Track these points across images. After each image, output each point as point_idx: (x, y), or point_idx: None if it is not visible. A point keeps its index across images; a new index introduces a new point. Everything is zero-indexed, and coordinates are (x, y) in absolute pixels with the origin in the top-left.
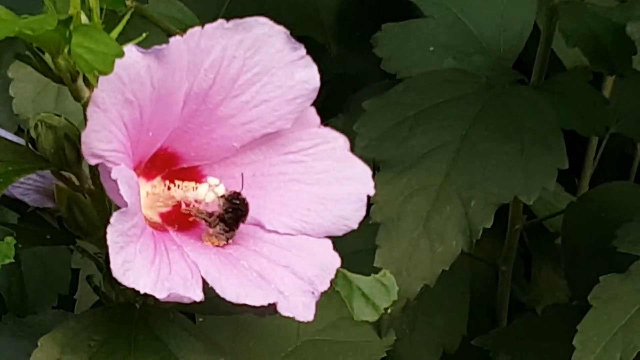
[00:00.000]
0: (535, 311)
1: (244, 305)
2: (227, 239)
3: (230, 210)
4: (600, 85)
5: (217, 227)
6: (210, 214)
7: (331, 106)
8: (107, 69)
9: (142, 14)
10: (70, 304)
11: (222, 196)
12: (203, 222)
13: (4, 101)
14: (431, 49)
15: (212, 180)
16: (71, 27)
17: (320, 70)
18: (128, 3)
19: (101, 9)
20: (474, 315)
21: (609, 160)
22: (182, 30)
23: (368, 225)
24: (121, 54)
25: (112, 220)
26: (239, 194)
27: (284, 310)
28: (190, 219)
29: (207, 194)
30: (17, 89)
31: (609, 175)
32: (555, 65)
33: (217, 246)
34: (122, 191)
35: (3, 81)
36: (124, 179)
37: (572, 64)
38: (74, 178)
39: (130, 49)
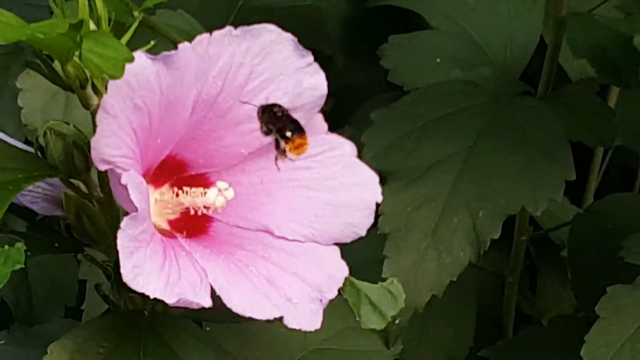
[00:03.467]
0: (541, 322)
1: None
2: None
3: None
4: (605, 97)
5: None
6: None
7: (338, 118)
8: (117, 73)
9: (149, 25)
10: (77, 316)
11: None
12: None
13: (13, 112)
14: (438, 60)
15: (221, 184)
16: (81, 32)
17: (327, 82)
18: (135, 14)
19: (109, 20)
20: (480, 327)
21: (613, 172)
22: (190, 42)
23: (376, 235)
24: (131, 59)
25: (122, 225)
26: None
27: (290, 321)
28: (199, 224)
29: (217, 198)
30: (26, 99)
31: (614, 187)
32: (560, 77)
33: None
34: (132, 196)
35: (11, 92)
36: (134, 184)
37: (577, 75)
38: (82, 186)
39: (139, 55)
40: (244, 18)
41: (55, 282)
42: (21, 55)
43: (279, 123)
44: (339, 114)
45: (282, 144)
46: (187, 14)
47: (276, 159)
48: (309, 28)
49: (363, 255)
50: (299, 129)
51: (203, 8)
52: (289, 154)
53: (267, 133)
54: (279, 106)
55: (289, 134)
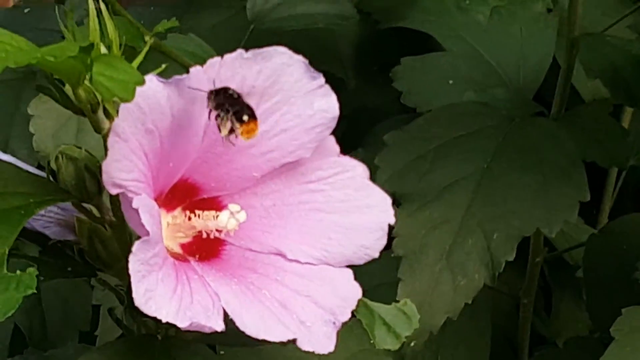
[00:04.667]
0: (556, 344)
1: None
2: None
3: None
4: (619, 118)
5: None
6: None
7: (350, 140)
8: (129, 96)
9: (161, 49)
10: (91, 341)
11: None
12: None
13: (24, 138)
14: (451, 82)
15: (233, 207)
16: (92, 55)
17: (338, 104)
18: (147, 38)
19: (120, 45)
20: (495, 349)
21: (627, 192)
22: (201, 65)
23: (388, 258)
24: (142, 82)
25: (134, 249)
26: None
27: (304, 344)
28: (212, 247)
29: (229, 221)
30: (37, 125)
31: (628, 207)
32: (573, 98)
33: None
34: (144, 220)
35: (24, 118)
36: (146, 208)
37: (590, 96)
38: (94, 210)
39: (150, 79)
40: (255, 41)
41: (69, 307)
42: (33, 81)
43: (236, 106)
44: (351, 137)
45: (237, 126)
46: (198, 37)
47: (226, 135)
48: (320, 50)
49: (376, 278)
50: (253, 114)
51: (214, 32)
52: (238, 136)
53: (219, 116)
54: (232, 89)
55: (245, 117)
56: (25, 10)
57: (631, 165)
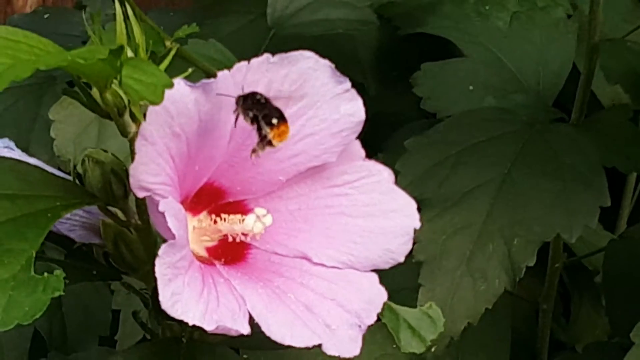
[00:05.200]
0: (575, 349)
1: None
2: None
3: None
4: (638, 123)
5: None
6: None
7: (370, 145)
8: (157, 99)
9: (181, 55)
10: (109, 346)
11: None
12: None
13: (45, 142)
14: (471, 87)
15: (259, 211)
16: (121, 58)
17: None
18: (167, 44)
19: (147, 49)
20: (515, 354)
21: None
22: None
23: (410, 263)
24: (170, 85)
25: (160, 252)
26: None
27: (329, 349)
28: (237, 251)
29: (255, 224)
30: (58, 130)
31: None
32: (592, 103)
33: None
34: (170, 223)
35: (44, 122)
36: (172, 212)
37: (609, 101)
38: (120, 213)
39: (178, 83)
40: (275, 47)
41: (89, 311)
42: (53, 86)
43: (264, 110)
44: (371, 142)
45: (267, 130)
46: (219, 43)
47: (254, 151)
48: (341, 56)
49: (397, 283)
50: (282, 116)
51: (234, 37)
52: (271, 141)
53: (248, 116)
54: (260, 94)
55: (274, 121)
56: (45, 16)
57: None
